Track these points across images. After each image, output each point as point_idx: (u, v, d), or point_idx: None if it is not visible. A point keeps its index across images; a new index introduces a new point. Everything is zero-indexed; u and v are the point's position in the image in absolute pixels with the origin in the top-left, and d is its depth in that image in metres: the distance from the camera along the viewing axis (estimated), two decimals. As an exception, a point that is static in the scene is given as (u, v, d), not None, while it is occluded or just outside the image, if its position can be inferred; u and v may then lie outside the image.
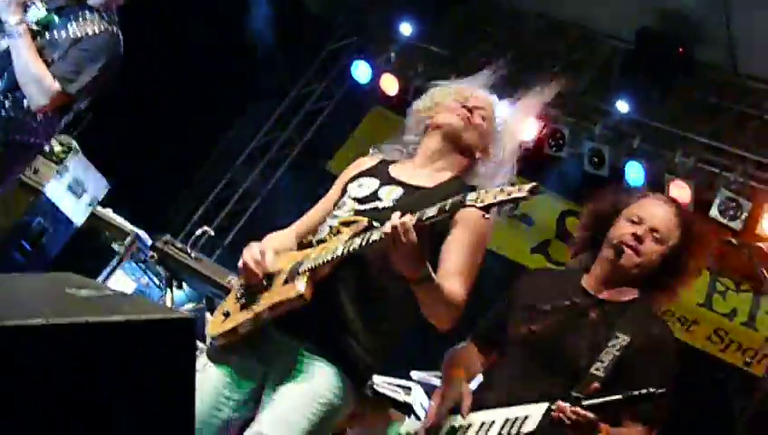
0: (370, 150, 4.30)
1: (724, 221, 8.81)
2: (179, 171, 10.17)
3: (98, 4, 5.12)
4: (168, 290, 7.03)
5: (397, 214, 3.42)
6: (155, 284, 7.58)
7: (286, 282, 3.67)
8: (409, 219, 3.37)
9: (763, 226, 8.79)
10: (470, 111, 4.02)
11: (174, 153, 9.77)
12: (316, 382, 3.67)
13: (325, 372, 3.68)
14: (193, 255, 7.27)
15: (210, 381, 3.78)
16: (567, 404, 3.57)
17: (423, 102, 4.18)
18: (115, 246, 7.90)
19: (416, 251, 3.43)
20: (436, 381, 6.02)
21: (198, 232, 8.12)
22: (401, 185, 3.92)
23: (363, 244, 3.52)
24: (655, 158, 9.54)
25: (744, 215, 8.89)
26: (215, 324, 3.89)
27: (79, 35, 5.02)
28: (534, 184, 3.20)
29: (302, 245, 3.95)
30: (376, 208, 3.84)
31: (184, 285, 7.28)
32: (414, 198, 3.82)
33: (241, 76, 10.32)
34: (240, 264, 3.85)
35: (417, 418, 5.10)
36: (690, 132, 9.53)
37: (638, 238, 3.92)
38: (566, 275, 4.26)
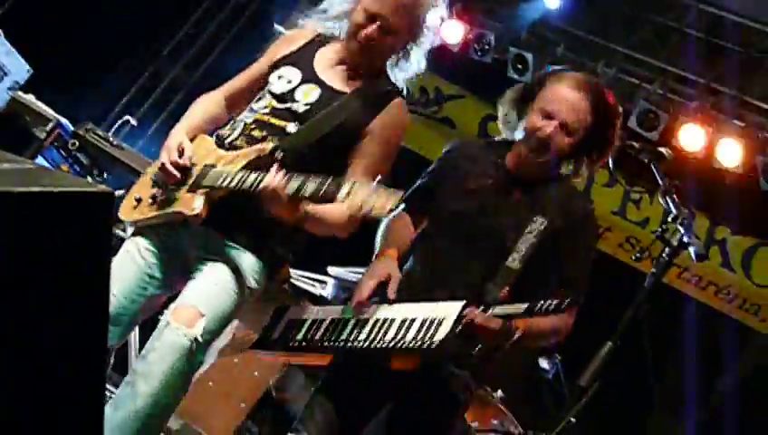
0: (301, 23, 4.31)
1: (642, 132, 8.99)
2: (104, 59, 10.11)
3: None
4: (89, 177, 7.09)
5: (273, 173, 3.61)
6: (75, 171, 7.59)
7: (191, 190, 3.88)
8: (281, 186, 3.57)
9: (679, 138, 8.96)
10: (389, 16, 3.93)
11: (99, 41, 9.74)
12: (237, 268, 3.88)
13: (245, 259, 3.90)
14: (115, 143, 7.32)
15: (138, 255, 3.96)
16: (477, 311, 3.71)
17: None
18: (36, 132, 7.90)
19: (286, 207, 3.68)
20: (353, 277, 6.12)
21: (120, 121, 8.15)
22: (320, 85, 4.01)
23: (251, 186, 3.70)
24: (577, 66, 9.60)
25: (662, 127, 9.06)
26: (126, 208, 4.10)
27: None
28: (397, 197, 3.35)
29: (219, 140, 4.07)
30: (289, 110, 3.97)
31: (104, 173, 7.34)
32: (327, 105, 3.96)
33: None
34: (159, 163, 3.99)
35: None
36: (613, 43, 9.65)
37: (549, 136, 4.01)
38: (493, 148, 4.29)
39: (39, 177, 1.81)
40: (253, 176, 3.70)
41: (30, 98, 7.94)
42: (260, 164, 3.77)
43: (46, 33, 8.35)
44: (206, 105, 4.23)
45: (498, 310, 3.71)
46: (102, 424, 2.09)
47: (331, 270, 6.92)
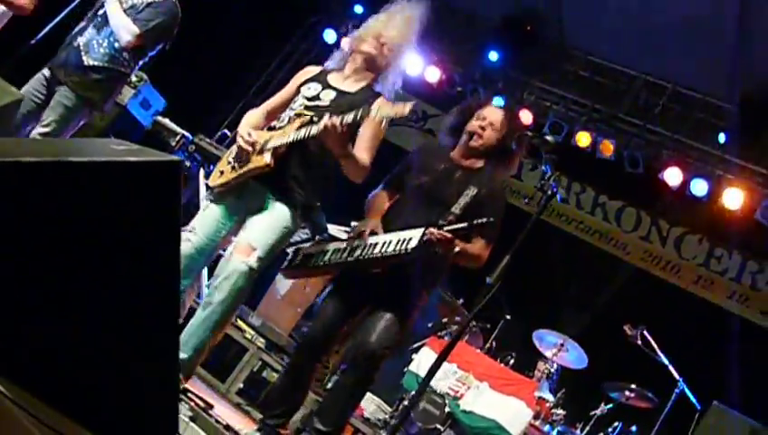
0: None
1: (551, 137, 8.97)
2: (211, 97, 10.19)
3: None
4: (201, 168, 7.20)
5: (327, 116, 3.69)
6: (194, 165, 7.69)
7: (259, 153, 3.91)
8: (336, 121, 3.65)
9: (577, 139, 8.98)
10: (381, 45, 4.15)
11: (207, 84, 9.84)
12: (279, 214, 3.93)
13: (284, 209, 3.93)
14: (216, 146, 7.45)
15: (213, 213, 4.00)
16: (435, 229, 3.84)
17: (355, 34, 4.28)
18: (169, 141, 8.01)
19: (340, 138, 3.74)
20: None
21: (219, 133, 8.27)
22: (335, 90, 4.11)
23: (306, 135, 3.78)
24: (511, 94, 9.65)
25: (564, 132, 9.09)
26: (213, 178, 4.14)
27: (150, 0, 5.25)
28: (412, 103, 3.55)
29: (270, 128, 4.13)
30: (317, 106, 4.04)
31: (211, 165, 7.44)
32: (341, 100, 4.05)
33: (253, 36, 10.35)
34: (236, 145, 4.05)
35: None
36: (533, 79, 9.68)
37: (482, 128, 4.17)
38: (443, 148, 4.42)
39: (139, 151, 1.87)
40: (304, 130, 3.80)
41: (165, 120, 8.05)
42: (305, 126, 3.86)
43: (174, 79, 8.40)
44: (253, 117, 4.25)
45: (448, 228, 3.85)
46: (177, 331, 2.07)
47: (353, 223, 7.04)
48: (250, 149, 3.93)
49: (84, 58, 5.13)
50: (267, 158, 3.85)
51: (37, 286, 1.75)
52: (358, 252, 3.96)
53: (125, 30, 5.12)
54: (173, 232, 1.94)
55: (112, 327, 1.88)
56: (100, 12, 5.24)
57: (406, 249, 3.77)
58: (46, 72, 5.17)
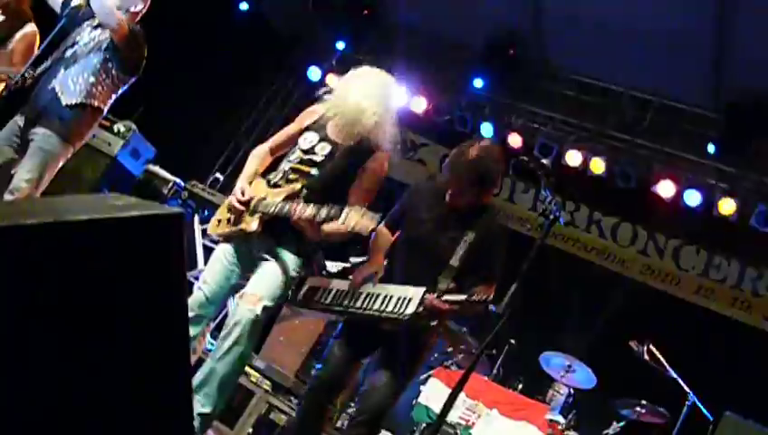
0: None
1: (540, 157, 8.97)
2: (201, 139, 10.18)
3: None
4: (195, 214, 7.19)
5: (300, 207, 3.80)
6: (188, 212, 7.68)
7: (251, 214, 4.01)
8: (306, 215, 3.75)
9: (566, 159, 8.99)
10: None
11: (197, 129, 9.82)
12: (285, 264, 3.98)
13: (291, 257, 4.00)
14: (210, 192, 7.45)
15: (220, 261, 4.07)
16: (433, 296, 3.86)
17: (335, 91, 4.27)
18: (162, 189, 8.00)
19: (312, 227, 3.85)
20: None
21: (212, 178, 8.25)
22: (330, 142, 4.10)
23: (286, 213, 3.86)
24: (499, 119, 9.66)
25: (554, 154, 9.07)
26: (212, 226, 4.27)
27: None
28: (375, 219, 3.58)
29: (267, 181, 4.13)
30: (311, 160, 4.09)
31: (205, 211, 7.43)
32: (335, 158, 4.07)
33: (238, 77, 10.36)
34: (230, 200, 4.14)
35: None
36: (520, 103, 9.68)
37: (455, 198, 4.13)
38: (437, 187, 4.31)
39: (138, 205, 1.83)
40: (288, 206, 3.83)
41: (156, 168, 8.05)
42: (293, 197, 3.88)
43: (163, 127, 8.37)
44: (259, 155, 4.33)
45: (446, 297, 3.83)
46: (189, 387, 2.03)
47: (352, 259, 7.00)
48: (242, 209, 4.04)
49: (62, 99, 5.05)
50: (254, 224, 3.97)
51: (40, 351, 1.71)
52: (359, 302, 3.99)
53: (111, 16, 4.99)
54: (179, 285, 1.91)
55: (122, 389, 1.84)
56: (68, 53, 5.15)
57: (403, 314, 3.81)
58: (19, 119, 5.09)
